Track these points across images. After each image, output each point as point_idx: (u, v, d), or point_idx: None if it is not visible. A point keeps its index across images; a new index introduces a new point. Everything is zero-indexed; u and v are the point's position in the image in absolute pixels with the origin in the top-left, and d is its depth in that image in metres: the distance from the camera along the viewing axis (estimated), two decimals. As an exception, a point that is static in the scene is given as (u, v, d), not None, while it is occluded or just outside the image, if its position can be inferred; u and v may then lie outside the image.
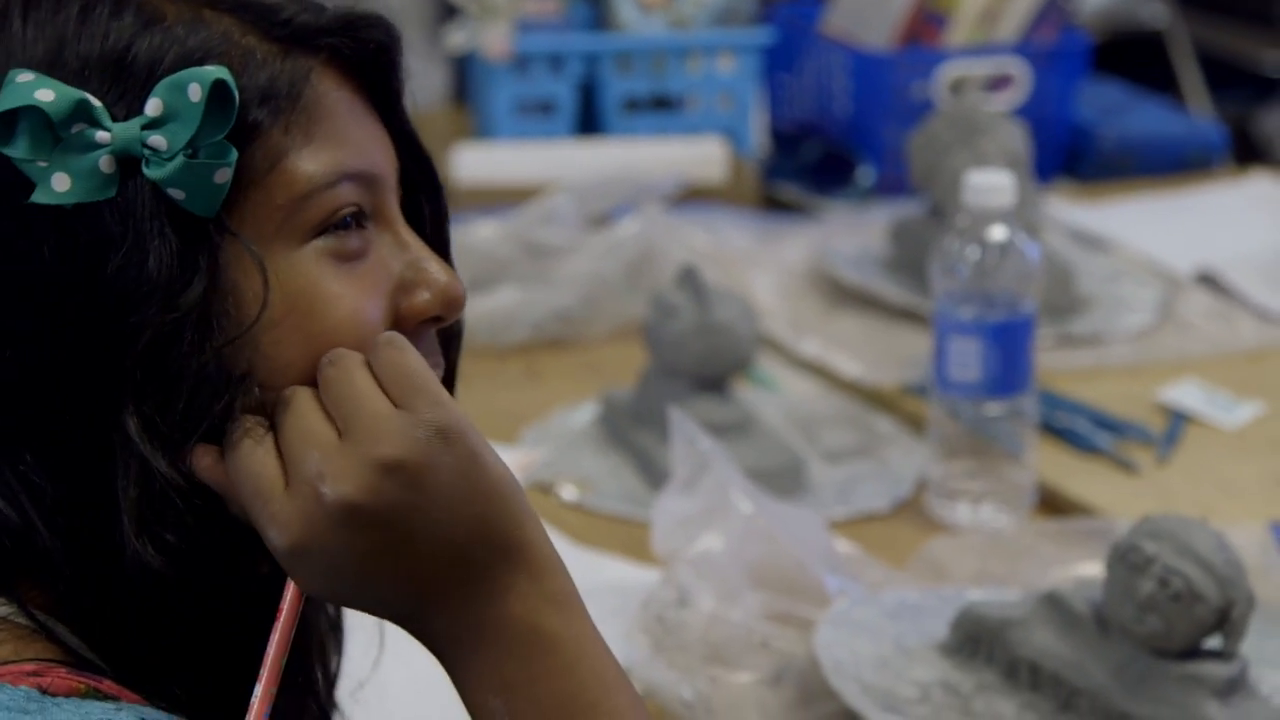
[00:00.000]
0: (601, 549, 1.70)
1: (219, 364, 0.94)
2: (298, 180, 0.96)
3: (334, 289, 0.97)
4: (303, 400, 0.95)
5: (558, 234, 2.19)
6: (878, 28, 2.53)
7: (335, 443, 0.93)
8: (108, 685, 0.93)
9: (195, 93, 0.93)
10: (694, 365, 1.81)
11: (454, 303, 1.01)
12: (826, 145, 2.54)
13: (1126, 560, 1.38)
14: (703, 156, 2.49)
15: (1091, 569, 1.59)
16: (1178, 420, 1.93)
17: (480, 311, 2.11)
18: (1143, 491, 1.80)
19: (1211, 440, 1.91)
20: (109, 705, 0.92)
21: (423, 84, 3.48)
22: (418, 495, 0.93)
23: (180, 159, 0.93)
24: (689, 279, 1.84)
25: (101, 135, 0.93)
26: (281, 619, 0.95)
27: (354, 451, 0.93)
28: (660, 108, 2.60)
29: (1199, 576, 1.36)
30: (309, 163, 0.96)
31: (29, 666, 0.92)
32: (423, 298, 1.00)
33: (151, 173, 0.93)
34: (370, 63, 1.01)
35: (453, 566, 0.95)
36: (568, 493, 1.80)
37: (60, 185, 0.93)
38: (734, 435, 1.77)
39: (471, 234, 2.19)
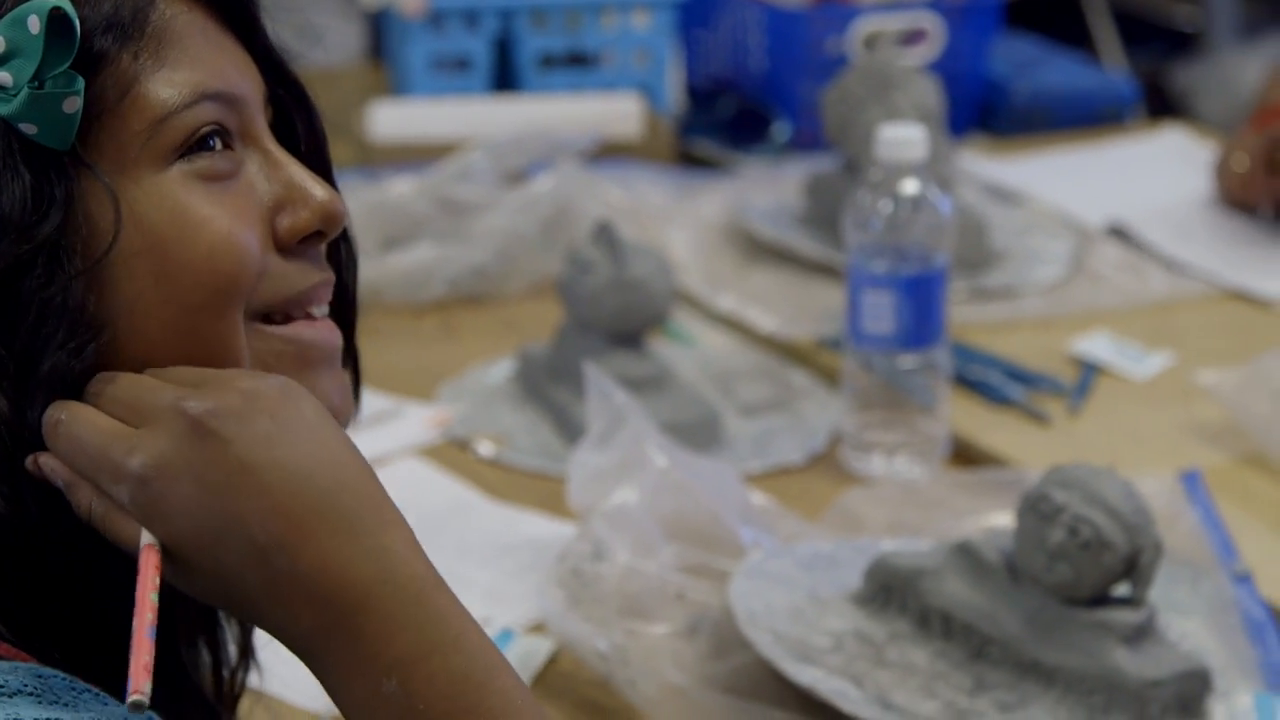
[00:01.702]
0: (518, 504, 1.71)
1: (66, 297, 0.93)
2: (152, 104, 0.96)
3: (204, 211, 0.96)
4: (121, 375, 0.94)
5: (474, 190, 2.19)
6: (792, -17, 2.53)
7: (188, 387, 0.93)
8: (3, 648, 0.93)
9: (34, 25, 0.93)
10: (610, 320, 1.82)
11: (333, 217, 1.00)
12: (742, 101, 2.54)
13: (1036, 509, 1.40)
14: (618, 113, 2.49)
15: (1004, 519, 1.60)
16: (1089, 371, 1.95)
17: (397, 268, 2.11)
18: (1054, 442, 1.82)
19: (1122, 391, 1.93)
20: (2, 665, 0.91)
21: (338, 40, 3.47)
22: (277, 423, 0.92)
23: (26, 91, 0.93)
24: (604, 235, 1.84)
25: None
26: (139, 586, 0.91)
27: (214, 383, 0.93)
28: (576, 64, 2.60)
29: (1107, 525, 1.37)
30: (163, 86, 0.96)
31: None
32: (301, 215, 0.99)
33: (0, 109, 0.93)
34: None
35: (322, 506, 0.92)
36: (484, 448, 1.81)
37: None
38: (650, 390, 1.78)
39: (387, 191, 2.19)
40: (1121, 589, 1.40)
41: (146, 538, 0.92)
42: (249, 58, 1.01)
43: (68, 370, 0.93)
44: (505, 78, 2.60)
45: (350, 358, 1.08)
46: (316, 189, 1.00)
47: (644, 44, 2.60)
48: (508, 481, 1.75)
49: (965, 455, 1.80)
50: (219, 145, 0.97)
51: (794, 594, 1.48)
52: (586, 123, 2.41)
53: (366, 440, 1.91)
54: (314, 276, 1.00)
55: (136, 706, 0.88)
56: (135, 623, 0.90)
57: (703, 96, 2.62)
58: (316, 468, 0.93)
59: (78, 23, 0.93)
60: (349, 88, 2.68)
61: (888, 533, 1.62)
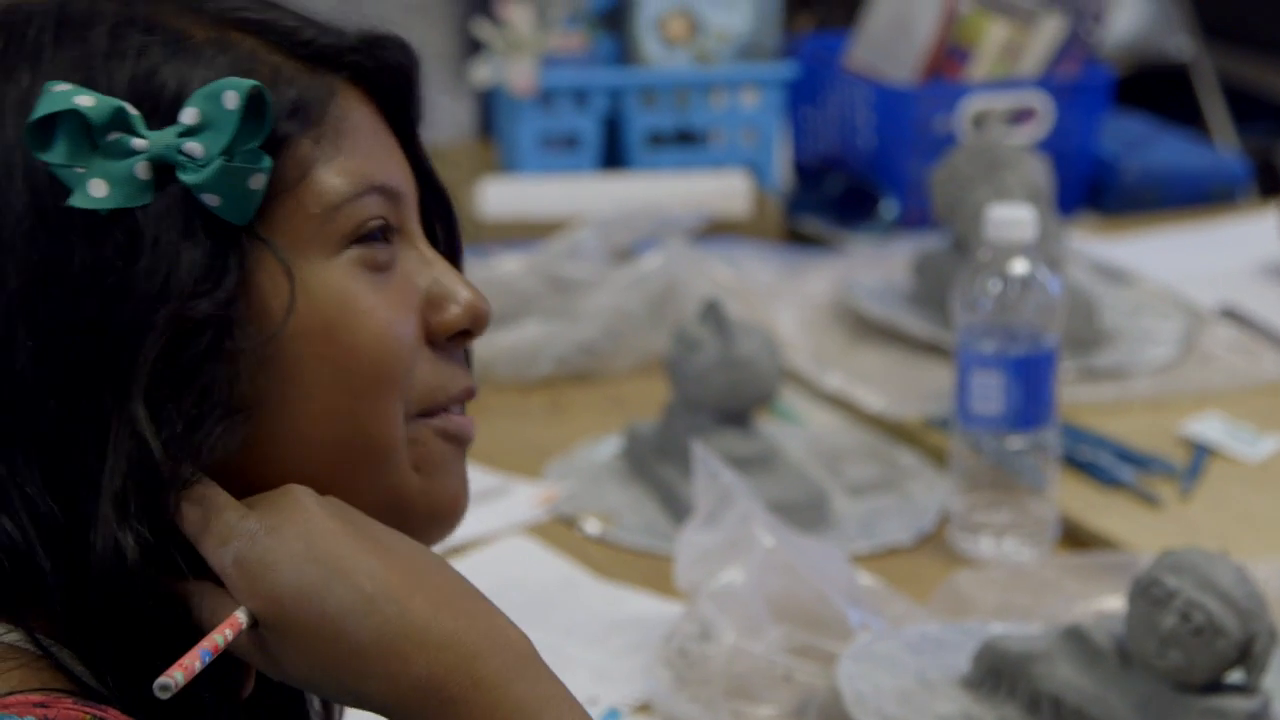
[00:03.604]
0: (625, 582, 1.71)
1: (233, 369, 0.95)
2: (328, 191, 0.98)
3: (368, 301, 0.98)
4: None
5: (582, 268, 2.20)
6: (901, 62, 2.54)
7: None
8: (113, 714, 0.93)
9: (231, 100, 0.95)
10: (717, 399, 1.82)
11: (481, 318, 1.03)
12: (850, 179, 2.54)
13: (1148, 594, 1.39)
14: (726, 190, 2.49)
15: (1115, 603, 1.59)
16: (1200, 453, 1.93)
17: (504, 345, 2.11)
18: (1166, 525, 1.80)
19: (1234, 473, 1.91)
20: None
21: (448, 118, 3.51)
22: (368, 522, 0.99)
23: (218, 162, 0.95)
24: (712, 312, 1.84)
25: (138, 142, 0.95)
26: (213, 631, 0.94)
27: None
28: (684, 142, 2.61)
29: (1220, 610, 1.36)
30: (338, 174, 0.99)
31: (36, 697, 0.93)
32: (453, 312, 1.02)
33: (187, 178, 0.95)
34: (390, 84, 1.03)
35: (427, 570, 0.97)
36: (591, 526, 1.81)
37: (97, 191, 0.94)
38: (757, 468, 1.78)
39: (496, 268, 2.20)
40: (1235, 676, 1.39)
41: (242, 614, 0.94)
42: (406, 160, 1.04)
43: (224, 449, 0.96)
44: (614, 155, 2.61)
45: None
46: (465, 289, 1.03)
47: (752, 122, 2.61)
48: (615, 560, 1.75)
49: (1075, 537, 1.78)
50: (382, 238, 1.00)
51: (902, 677, 1.47)
52: (694, 200, 2.41)
53: (473, 518, 1.91)
54: (462, 381, 1.04)
55: (163, 688, 0.91)
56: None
57: (811, 174, 2.62)
58: (412, 546, 0.98)
59: (272, 104, 0.96)
60: (459, 165, 2.70)
61: (997, 616, 1.61)
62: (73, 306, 0.94)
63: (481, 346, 2.27)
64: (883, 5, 2.57)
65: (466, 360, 1.07)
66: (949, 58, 2.53)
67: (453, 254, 1.08)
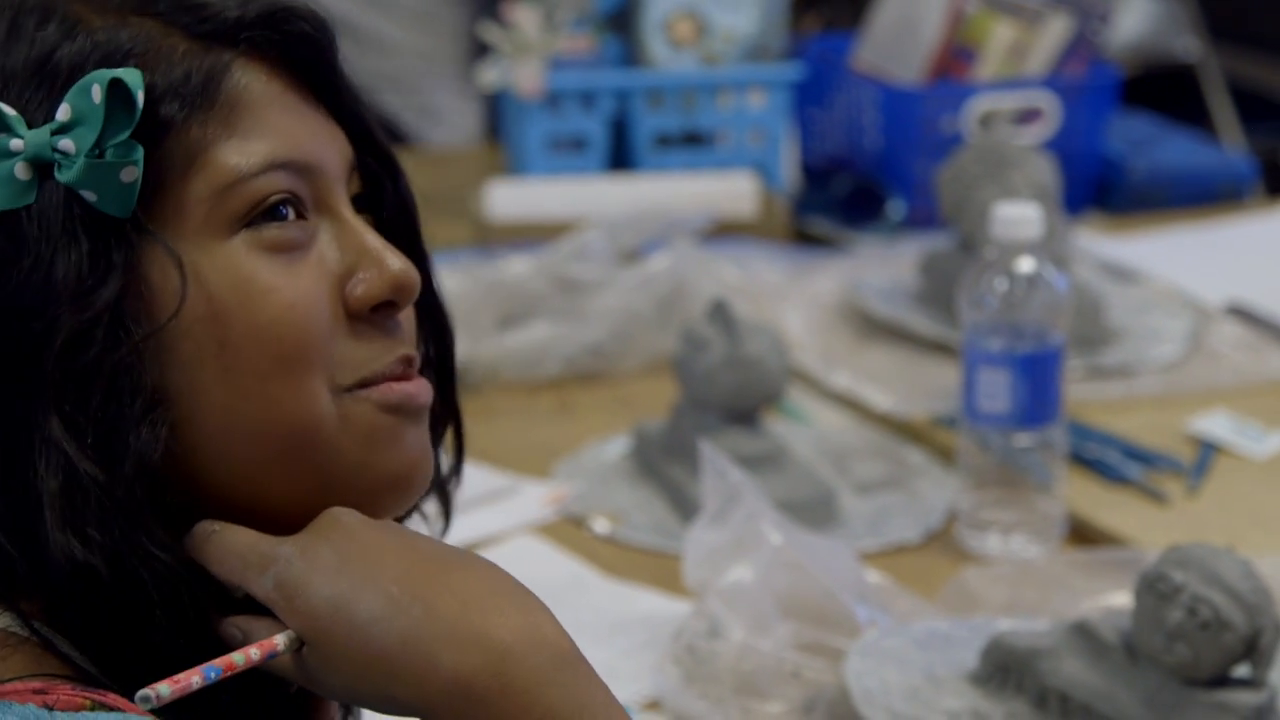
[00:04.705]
0: (633, 581, 1.71)
1: (134, 364, 0.93)
2: (220, 171, 0.96)
3: (268, 280, 0.96)
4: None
5: (590, 269, 2.20)
6: (907, 62, 2.54)
7: None
8: (112, 698, 0.93)
9: (96, 94, 0.94)
10: (725, 398, 1.82)
11: (404, 287, 0.99)
12: (857, 179, 2.55)
13: (1154, 589, 1.39)
14: (733, 191, 2.50)
15: (1122, 599, 1.59)
16: (1207, 450, 1.93)
17: (513, 346, 2.12)
18: (1173, 522, 1.80)
19: (1242, 470, 1.91)
20: (116, 717, 0.91)
21: (457, 121, 3.51)
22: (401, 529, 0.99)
23: (83, 160, 0.93)
24: (719, 313, 1.85)
25: (15, 143, 0.94)
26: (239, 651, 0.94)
27: None
28: (691, 143, 2.62)
29: (1226, 605, 1.36)
30: (232, 154, 0.96)
31: (35, 684, 0.92)
32: (372, 284, 0.99)
33: (62, 176, 0.94)
34: (299, 54, 1.00)
35: (460, 565, 0.97)
36: (600, 525, 1.82)
37: None
38: (765, 467, 1.78)
39: (504, 269, 2.21)
40: (1241, 670, 1.39)
41: (281, 639, 0.94)
42: (334, 126, 1.01)
43: (152, 452, 0.94)
44: (621, 157, 2.61)
45: (455, 426, 1.09)
46: (390, 258, 0.99)
47: (759, 123, 2.62)
48: (623, 559, 1.76)
49: (1082, 534, 1.79)
50: (291, 214, 0.98)
51: (910, 673, 1.48)
52: (702, 201, 2.42)
53: (483, 518, 1.92)
54: (394, 351, 1.00)
55: (144, 700, 0.90)
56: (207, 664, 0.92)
57: (818, 175, 2.62)
58: (450, 549, 0.97)
59: (139, 93, 0.94)
60: (467, 167, 2.70)
61: (1004, 612, 1.61)
62: None
63: (489, 348, 2.29)
64: (889, 6, 2.58)
65: (446, 374, 1.06)
66: (955, 58, 2.54)
67: (405, 216, 1.05)
